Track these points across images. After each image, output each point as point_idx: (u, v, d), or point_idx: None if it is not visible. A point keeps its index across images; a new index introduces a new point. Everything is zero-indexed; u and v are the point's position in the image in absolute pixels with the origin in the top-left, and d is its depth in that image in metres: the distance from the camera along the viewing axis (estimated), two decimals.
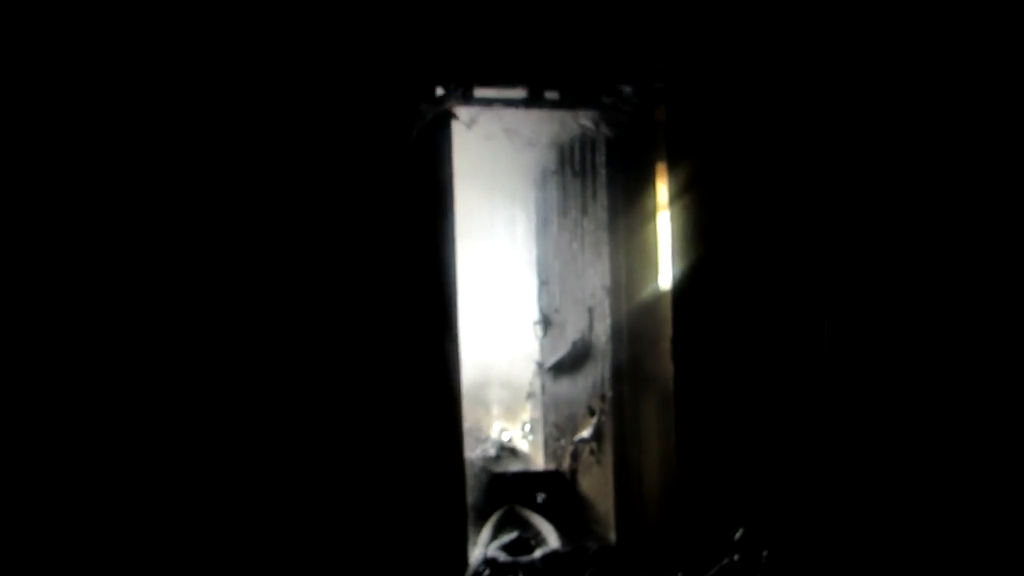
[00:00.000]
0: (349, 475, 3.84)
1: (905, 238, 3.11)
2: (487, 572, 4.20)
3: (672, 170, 3.94)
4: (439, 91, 4.00)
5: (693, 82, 3.75)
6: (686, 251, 3.90)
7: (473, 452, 6.54)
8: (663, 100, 3.96)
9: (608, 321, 4.77)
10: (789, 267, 3.40)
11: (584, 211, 4.95)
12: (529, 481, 5.39)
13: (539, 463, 5.84)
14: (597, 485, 4.99)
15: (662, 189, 4.23)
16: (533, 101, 4.19)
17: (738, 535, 3.58)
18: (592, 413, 4.97)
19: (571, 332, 5.19)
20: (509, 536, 4.66)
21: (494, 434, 6.74)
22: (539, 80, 4.14)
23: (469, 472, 5.68)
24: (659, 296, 4.60)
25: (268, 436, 3.73)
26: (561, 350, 5.26)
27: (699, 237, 3.87)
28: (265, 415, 3.73)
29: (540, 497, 5.22)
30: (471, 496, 5.35)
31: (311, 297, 3.80)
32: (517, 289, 6.31)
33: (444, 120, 4.03)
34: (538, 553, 4.40)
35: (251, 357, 3.71)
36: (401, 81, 3.89)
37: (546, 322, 5.48)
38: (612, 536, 4.72)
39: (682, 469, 3.98)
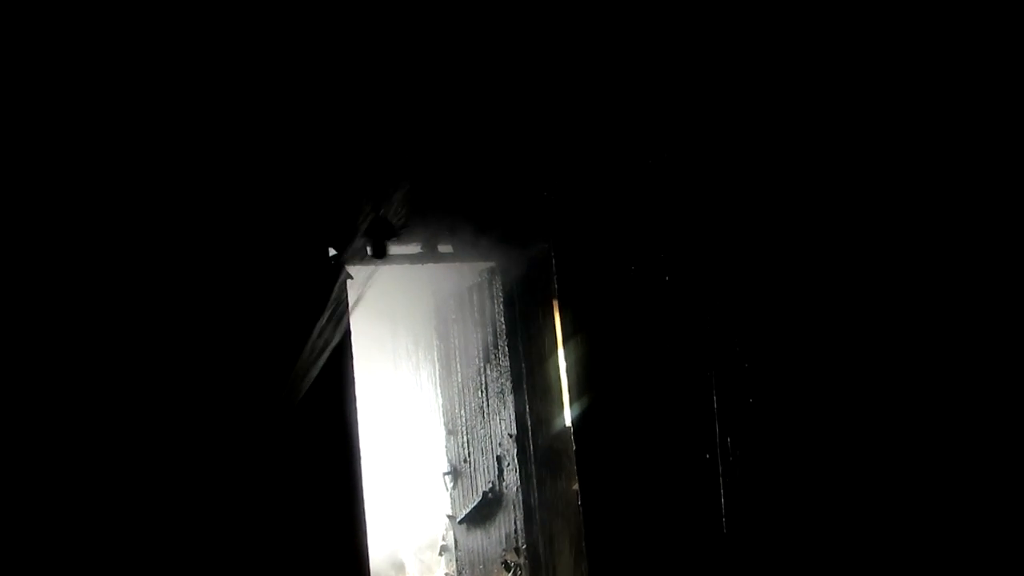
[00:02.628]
0: None
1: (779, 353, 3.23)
2: None
3: (563, 316, 4.01)
4: (332, 251, 4.01)
5: (575, 242, 3.89)
6: (582, 392, 3.92)
7: None
8: (551, 255, 4.07)
9: (518, 470, 4.69)
10: (679, 390, 3.46)
11: (487, 359, 4.94)
12: None
13: None
14: None
15: (560, 332, 4.28)
16: (427, 256, 4.23)
17: None
18: (508, 568, 4.81)
19: (481, 482, 5.07)
20: None
21: None
22: (433, 236, 4.20)
23: None
24: (566, 439, 4.58)
25: None
26: (472, 501, 5.12)
27: (592, 377, 3.91)
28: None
29: None
30: None
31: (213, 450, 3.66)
32: (425, 440, 6.19)
33: (339, 278, 4.02)
34: None
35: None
36: (295, 242, 3.89)
37: (455, 473, 5.36)
38: None
39: None
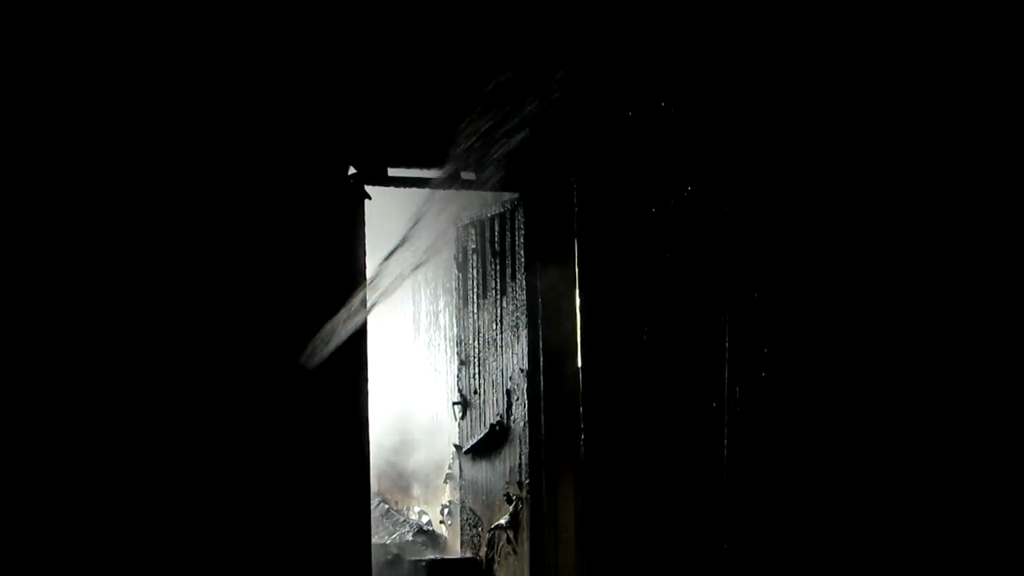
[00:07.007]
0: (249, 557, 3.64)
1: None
2: None
3: (582, 253, 3.93)
4: (352, 170, 3.93)
5: (598, 179, 3.79)
6: (594, 332, 3.86)
7: (391, 536, 6.33)
8: (575, 189, 3.97)
9: (526, 405, 4.66)
10: (692, 337, 3.40)
11: (504, 292, 4.88)
12: (444, 569, 5.18)
13: (457, 549, 5.64)
14: (513, 575, 4.80)
15: (578, 270, 4.19)
16: (449, 181, 4.14)
17: None
18: (509, 500, 4.81)
19: (490, 415, 5.06)
20: None
21: (413, 517, 6.53)
22: (455, 161, 4.09)
23: (384, 559, 5.46)
24: (576, 378, 4.52)
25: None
26: (479, 433, 5.12)
27: (605, 318, 3.84)
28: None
29: None
30: None
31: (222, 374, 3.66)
32: (439, 370, 6.19)
33: (358, 198, 3.96)
34: None
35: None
36: (313, 159, 3.82)
37: (465, 403, 5.34)
38: None
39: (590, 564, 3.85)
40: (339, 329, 3.81)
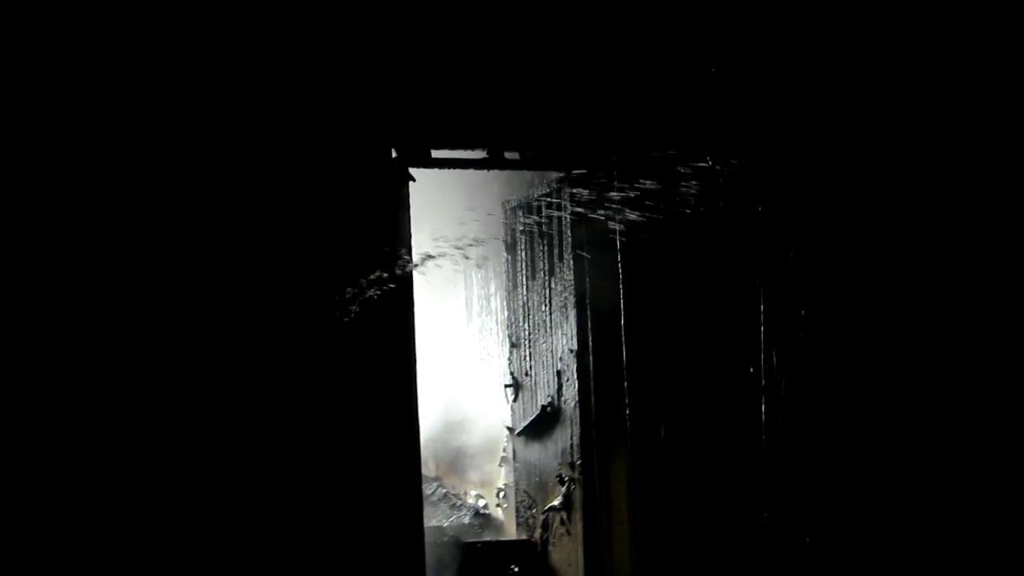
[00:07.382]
0: (299, 544, 3.69)
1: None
2: None
3: (624, 231, 3.89)
4: (394, 152, 3.94)
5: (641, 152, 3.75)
6: (637, 309, 3.82)
7: (448, 519, 6.38)
8: (615, 166, 3.93)
9: (577, 385, 4.63)
10: (737, 325, 3.34)
11: (552, 272, 4.86)
12: (498, 551, 5.20)
13: (512, 531, 5.66)
14: (567, 556, 4.79)
15: (620, 247, 4.15)
16: (492, 162, 4.12)
17: None
18: (562, 482, 4.80)
19: (541, 396, 5.05)
20: None
21: (470, 500, 6.57)
22: (499, 141, 4.07)
23: (440, 541, 5.51)
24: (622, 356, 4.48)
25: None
26: (531, 415, 5.12)
27: (647, 295, 3.80)
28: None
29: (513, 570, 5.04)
30: (442, 570, 5.17)
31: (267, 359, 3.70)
32: (491, 351, 6.21)
33: (402, 180, 3.97)
34: None
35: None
36: (355, 141, 3.84)
37: (517, 386, 5.34)
38: None
39: (640, 545, 3.82)
40: (385, 309, 3.83)
